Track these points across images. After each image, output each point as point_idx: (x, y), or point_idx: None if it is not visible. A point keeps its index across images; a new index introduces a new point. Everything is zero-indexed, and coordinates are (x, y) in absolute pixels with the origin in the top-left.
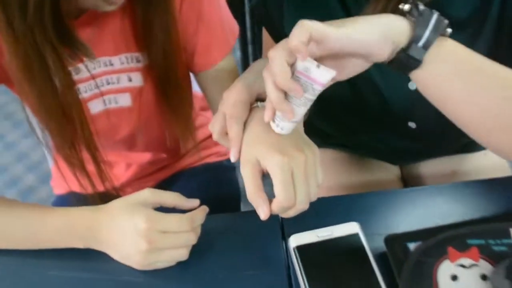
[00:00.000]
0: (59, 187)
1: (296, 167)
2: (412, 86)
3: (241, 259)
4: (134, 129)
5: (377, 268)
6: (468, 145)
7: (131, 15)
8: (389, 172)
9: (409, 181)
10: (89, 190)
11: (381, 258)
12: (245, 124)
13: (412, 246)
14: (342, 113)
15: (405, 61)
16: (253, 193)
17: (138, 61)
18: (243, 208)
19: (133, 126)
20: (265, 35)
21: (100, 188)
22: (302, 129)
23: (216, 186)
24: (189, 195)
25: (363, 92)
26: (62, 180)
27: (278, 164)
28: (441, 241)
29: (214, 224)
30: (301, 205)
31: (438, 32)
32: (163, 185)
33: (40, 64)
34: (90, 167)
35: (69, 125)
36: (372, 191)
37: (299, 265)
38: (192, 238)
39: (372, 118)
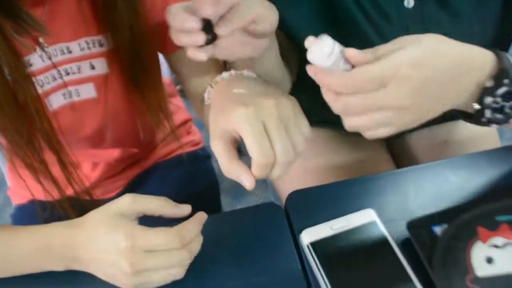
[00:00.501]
0: (18, 196)
1: (266, 116)
2: None
3: (248, 264)
4: (101, 123)
5: (402, 257)
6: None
7: None
8: (376, 147)
9: (398, 155)
10: (56, 195)
11: (404, 245)
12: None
13: (438, 229)
14: None
15: None
16: (228, 165)
17: (100, 45)
18: (223, 199)
19: (100, 119)
20: None
21: (68, 192)
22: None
23: (193, 180)
24: (165, 192)
25: None
26: (22, 188)
27: (242, 117)
28: (468, 221)
29: (210, 225)
30: (284, 157)
31: None
32: (136, 183)
33: None
34: (55, 169)
35: (26, 123)
36: (365, 171)
37: (316, 263)
38: (185, 256)
39: None
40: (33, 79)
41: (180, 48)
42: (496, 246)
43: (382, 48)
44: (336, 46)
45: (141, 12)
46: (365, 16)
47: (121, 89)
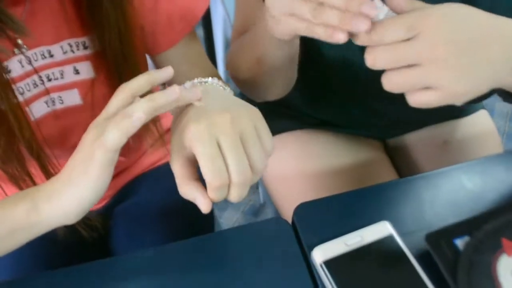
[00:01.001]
0: None
1: (221, 133)
2: None
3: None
4: None
5: (423, 273)
6: (458, 109)
7: None
8: (374, 149)
9: (396, 157)
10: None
11: (422, 258)
12: None
13: (459, 242)
14: (345, 81)
15: None
16: (183, 185)
17: (85, 47)
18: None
19: (87, 128)
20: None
21: None
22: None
23: None
24: (155, 201)
25: None
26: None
27: (195, 135)
28: (491, 232)
29: (211, 245)
30: (240, 178)
31: None
32: (124, 193)
33: None
34: (39, 180)
35: (6, 134)
36: (363, 174)
37: (331, 284)
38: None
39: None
40: (12, 86)
41: (169, 47)
42: None
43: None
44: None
45: (128, 11)
46: None
47: (108, 94)
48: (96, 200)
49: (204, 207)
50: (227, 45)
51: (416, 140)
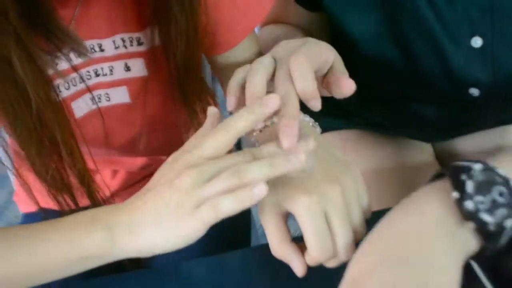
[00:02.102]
0: (26, 204)
1: (331, 207)
2: (475, 43)
3: None
4: (132, 132)
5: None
6: None
7: None
8: (422, 151)
9: (445, 161)
10: (70, 205)
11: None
12: None
13: None
14: (383, 80)
15: None
16: (279, 246)
17: (139, 43)
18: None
19: (132, 127)
20: None
21: (84, 201)
22: (335, 147)
23: None
24: None
25: (418, 53)
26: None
27: (305, 208)
28: None
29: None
30: (347, 254)
31: None
32: None
33: (1, 66)
34: (71, 178)
35: (52, 142)
36: (409, 177)
37: None
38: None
39: (423, 86)
40: (57, 81)
41: (228, 49)
42: None
43: None
44: None
45: (196, 7)
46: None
47: (160, 94)
48: (183, 246)
49: (300, 272)
50: None
51: (466, 145)
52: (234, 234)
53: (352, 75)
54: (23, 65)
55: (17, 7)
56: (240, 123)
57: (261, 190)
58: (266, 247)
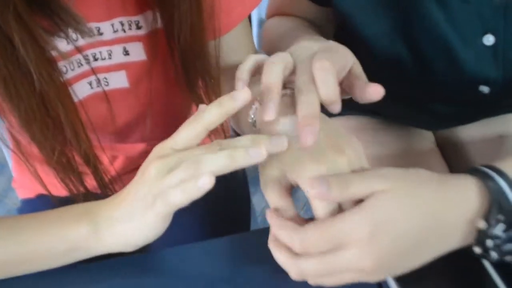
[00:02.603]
0: (25, 189)
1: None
2: (487, 41)
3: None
4: (130, 117)
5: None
6: None
7: None
8: (423, 138)
9: (446, 148)
10: (73, 190)
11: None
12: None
13: None
14: (394, 79)
15: None
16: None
17: (138, 27)
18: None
19: (130, 113)
20: None
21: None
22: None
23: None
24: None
25: (429, 53)
26: (30, 181)
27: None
28: None
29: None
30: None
31: None
32: None
33: (3, 45)
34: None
35: (56, 122)
36: (411, 164)
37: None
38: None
39: (433, 84)
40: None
41: (225, 32)
42: None
43: (353, 188)
44: None
45: None
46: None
47: (161, 78)
48: (154, 238)
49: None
50: (261, 24)
51: (469, 133)
52: (234, 221)
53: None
54: (25, 44)
55: None
56: (209, 117)
57: (205, 182)
58: (264, 231)
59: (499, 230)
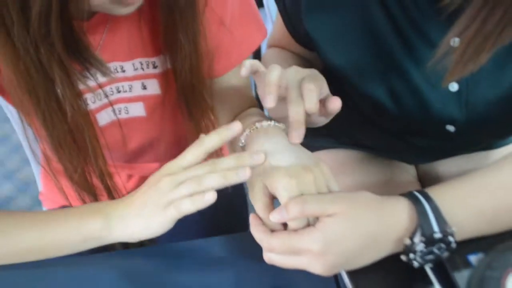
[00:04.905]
0: (50, 201)
1: (305, 189)
2: (452, 87)
3: (279, 278)
4: (146, 140)
5: (436, 281)
6: (494, 142)
7: (149, 18)
8: (405, 171)
9: (426, 181)
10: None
11: (438, 268)
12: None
13: (473, 258)
14: (375, 117)
15: None
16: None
17: (154, 67)
18: None
19: (146, 137)
20: (278, 19)
21: (104, 199)
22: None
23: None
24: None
25: (402, 95)
26: (55, 194)
27: (285, 188)
28: (503, 251)
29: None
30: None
31: None
32: None
33: (46, 84)
34: (93, 179)
35: (80, 146)
36: (391, 193)
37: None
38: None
39: (407, 122)
40: (86, 95)
41: (222, 74)
42: None
43: (309, 210)
44: None
45: (199, 35)
46: (405, 46)
47: (171, 110)
48: (156, 235)
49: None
50: None
51: (447, 168)
52: (231, 220)
53: (348, 106)
54: (63, 83)
55: (61, 39)
56: (209, 142)
57: (210, 196)
58: None
59: (420, 246)
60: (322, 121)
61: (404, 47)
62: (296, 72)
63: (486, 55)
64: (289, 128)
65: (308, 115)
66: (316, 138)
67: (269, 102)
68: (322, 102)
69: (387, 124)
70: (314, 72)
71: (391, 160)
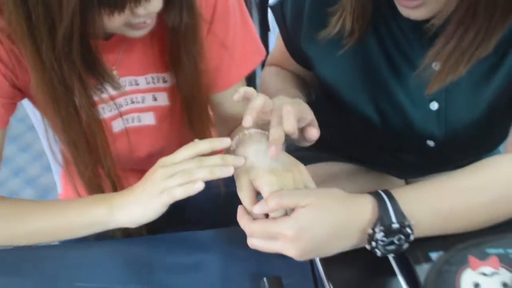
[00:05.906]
0: None
1: (285, 185)
2: (433, 106)
3: (263, 266)
4: (155, 148)
5: (400, 275)
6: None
7: (160, 38)
8: (395, 185)
9: None
10: None
11: (402, 263)
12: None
13: (434, 255)
14: (364, 132)
15: None
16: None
17: (164, 81)
18: None
19: (155, 144)
20: (279, 39)
21: None
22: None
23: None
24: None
25: (388, 112)
26: (73, 195)
27: (267, 184)
28: (461, 250)
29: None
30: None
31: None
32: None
33: (66, 94)
34: (104, 182)
35: (92, 148)
36: None
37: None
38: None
39: (392, 137)
40: (102, 105)
41: (221, 90)
42: (484, 274)
43: (285, 202)
44: None
45: (199, 56)
46: (391, 67)
47: (178, 120)
48: (152, 219)
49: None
50: None
51: None
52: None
53: (340, 123)
54: (80, 93)
55: (81, 57)
56: (202, 146)
57: (199, 185)
58: None
59: (380, 236)
60: (304, 144)
61: (391, 69)
62: (281, 100)
63: (464, 69)
64: (269, 144)
65: (288, 136)
66: (311, 151)
67: (247, 122)
68: (304, 129)
69: (375, 139)
70: (297, 100)
71: (382, 174)
